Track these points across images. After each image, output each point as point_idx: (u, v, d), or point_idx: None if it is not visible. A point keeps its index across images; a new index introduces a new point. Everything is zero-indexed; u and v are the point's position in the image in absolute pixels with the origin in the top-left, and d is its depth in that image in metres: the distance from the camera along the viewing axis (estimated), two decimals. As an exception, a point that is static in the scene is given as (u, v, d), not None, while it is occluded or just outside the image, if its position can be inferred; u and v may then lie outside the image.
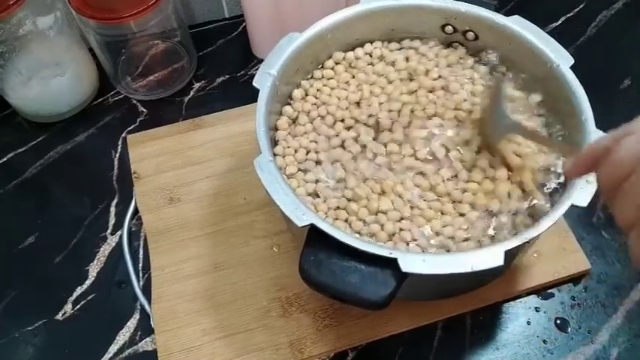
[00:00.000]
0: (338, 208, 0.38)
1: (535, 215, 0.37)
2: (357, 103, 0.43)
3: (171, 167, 0.51)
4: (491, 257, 0.32)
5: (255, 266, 0.45)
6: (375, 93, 0.43)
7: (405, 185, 0.39)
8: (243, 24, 0.60)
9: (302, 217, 0.33)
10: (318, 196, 0.39)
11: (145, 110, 0.56)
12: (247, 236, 0.47)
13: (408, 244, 0.37)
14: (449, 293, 0.42)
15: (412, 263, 0.31)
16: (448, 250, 0.37)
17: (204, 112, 0.54)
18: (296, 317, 0.42)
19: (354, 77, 0.45)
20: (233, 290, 0.44)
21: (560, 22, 0.62)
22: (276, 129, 0.42)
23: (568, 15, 0.63)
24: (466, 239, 0.37)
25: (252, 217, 0.47)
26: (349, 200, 0.39)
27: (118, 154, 0.53)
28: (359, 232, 0.37)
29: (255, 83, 0.39)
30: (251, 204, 0.48)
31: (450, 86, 0.43)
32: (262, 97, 0.39)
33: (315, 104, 0.43)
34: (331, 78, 0.45)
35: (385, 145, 0.41)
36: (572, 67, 0.39)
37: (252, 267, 0.45)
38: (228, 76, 0.58)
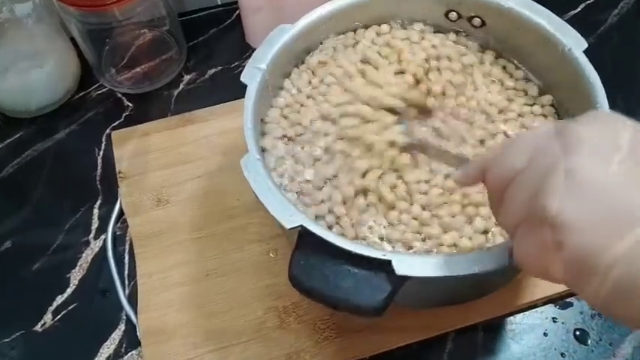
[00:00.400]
0: (330, 211, 0.38)
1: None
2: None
3: (159, 166, 0.50)
4: (495, 257, 0.31)
5: (249, 273, 0.44)
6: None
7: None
8: (237, 12, 0.60)
9: (290, 218, 0.32)
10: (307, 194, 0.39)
11: (130, 105, 0.55)
12: (241, 240, 0.46)
13: (409, 248, 0.36)
14: (454, 300, 0.41)
15: (407, 265, 0.31)
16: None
17: (195, 106, 0.53)
18: (294, 328, 0.41)
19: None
20: (226, 299, 0.43)
21: (579, 9, 0.61)
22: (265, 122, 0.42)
23: (588, 2, 0.62)
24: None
25: (247, 220, 0.46)
26: (343, 203, 0.38)
27: (101, 152, 0.52)
28: (354, 235, 0.37)
29: (243, 79, 0.39)
30: (245, 205, 0.47)
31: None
32: (250, 94, 0.38)
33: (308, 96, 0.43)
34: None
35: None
36: (590, 55, 0.38)
37: (246, 274, 0.44)
38: (220, 68, 0.57)
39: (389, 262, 0.31)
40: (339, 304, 0.31)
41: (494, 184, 0.27)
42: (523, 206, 0.24)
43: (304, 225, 0.32)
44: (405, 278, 0.31)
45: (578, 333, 0.42)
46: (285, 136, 0.41)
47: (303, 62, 0.44)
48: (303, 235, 0.32)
